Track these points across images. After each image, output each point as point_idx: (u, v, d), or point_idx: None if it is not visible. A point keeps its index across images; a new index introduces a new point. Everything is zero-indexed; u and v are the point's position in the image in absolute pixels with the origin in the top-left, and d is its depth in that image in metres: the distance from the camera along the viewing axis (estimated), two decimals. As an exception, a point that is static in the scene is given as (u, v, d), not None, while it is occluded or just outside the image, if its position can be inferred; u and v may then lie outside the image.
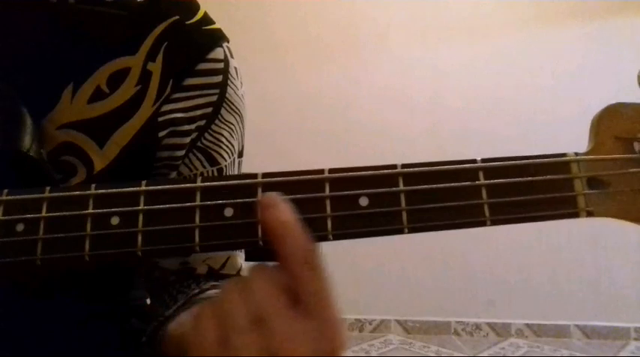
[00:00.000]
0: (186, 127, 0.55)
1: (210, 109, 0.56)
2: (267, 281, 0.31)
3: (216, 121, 0.57)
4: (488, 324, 2.50)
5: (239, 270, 0.58)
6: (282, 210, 0.31)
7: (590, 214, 0.31)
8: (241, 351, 0.29)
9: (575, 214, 0.32)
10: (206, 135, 0.57)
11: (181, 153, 0.56)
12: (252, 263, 0.33)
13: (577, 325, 2.47)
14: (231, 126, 0.59)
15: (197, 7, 0.58)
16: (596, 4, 2.57)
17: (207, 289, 0.55)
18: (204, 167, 0.57)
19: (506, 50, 2.61)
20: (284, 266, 0.31)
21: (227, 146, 0.59)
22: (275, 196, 0.32)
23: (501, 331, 2.49)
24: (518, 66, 2.60)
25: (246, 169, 0.64)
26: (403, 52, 2.64)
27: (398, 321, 2.51)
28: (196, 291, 0.54)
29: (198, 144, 0.57)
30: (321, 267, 0.30)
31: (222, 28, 0.59)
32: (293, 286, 0.30)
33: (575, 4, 2.58)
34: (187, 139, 0.55)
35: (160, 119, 0.54)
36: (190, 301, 0.53)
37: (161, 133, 0.54)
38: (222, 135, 0.58)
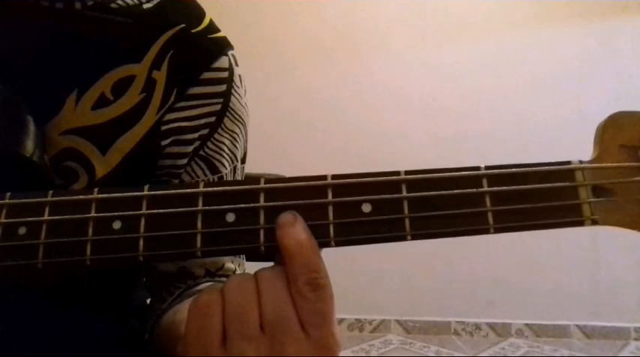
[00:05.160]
0: (190, 136, 0.55)
1: (213, 119, 0.56)
2: (281, 288, 0.30)
3: (219, 130, 0.57)
4: (488, 324, 2.50)
5: (234, 272, 0.59)
6: (298, 229, 0.31)
7: (595, 222, 0.31)
8: None
9: (580, 223, 0.31)
10: (208, 143, 0.57)
11: (184, 161, 0.56)
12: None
13: (577, 325, 2.47)
14: (234, 135, 0.59)
15: (203, 15, 0.58)
16: (596, 4, 2.57)
17: (202, 283, 0.55)
18: (205, 175, 0.57)
19: (506, 50, 2.61)
20: (291, 285, 0.30)
21: (228, 154, 0.59)
22: (293, 215, 0.31)
23: (501, 331, 2.49)
24: (518, 66, 2.60)
25: (246, 170, 0.65)
26: (403, 52, 2.64)
27: (398, 321, 2.51)
28: (192, 284, 0.55)
29: (201, 152, 0.57)
30: (326, 289, 0.30)
31: (221, 29, 0.59)
32: (297, 302, 0.30)
33: (575, 4, 2.58)
34: (190, 148, 0.56)
35: (164, 128, 0.54)
36: (184, 294, 0.54)
37: (164, 142, 0.54)
38: (224, 143, 0.58)
